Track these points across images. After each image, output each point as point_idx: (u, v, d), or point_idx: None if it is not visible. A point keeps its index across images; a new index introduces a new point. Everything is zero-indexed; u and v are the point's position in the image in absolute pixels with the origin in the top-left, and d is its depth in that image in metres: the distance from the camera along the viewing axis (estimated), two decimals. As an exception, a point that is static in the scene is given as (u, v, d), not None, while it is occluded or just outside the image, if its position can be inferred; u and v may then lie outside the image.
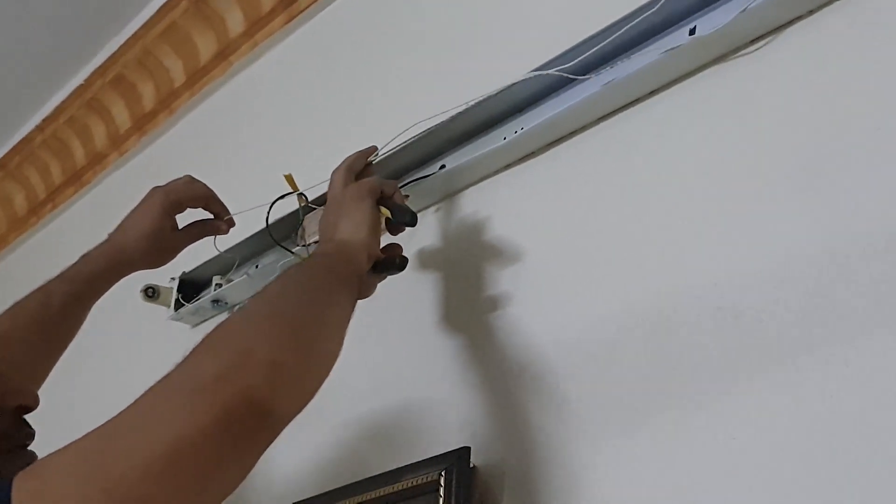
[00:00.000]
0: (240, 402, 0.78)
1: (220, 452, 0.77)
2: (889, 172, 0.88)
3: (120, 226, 1.41)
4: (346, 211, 1.14)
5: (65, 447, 0.74)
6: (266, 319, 0.91)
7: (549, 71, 1.17)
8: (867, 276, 0.86)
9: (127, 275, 1.40)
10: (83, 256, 1.39)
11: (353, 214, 1.14)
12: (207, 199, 1.46)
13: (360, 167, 1.27)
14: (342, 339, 0.98)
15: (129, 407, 0.78)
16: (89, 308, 1.39)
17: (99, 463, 0.73)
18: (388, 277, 1.19)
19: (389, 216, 1.18)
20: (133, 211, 1.42)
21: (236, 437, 0.78)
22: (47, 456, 0.75)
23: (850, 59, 0.96)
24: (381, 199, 1.18)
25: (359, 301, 1.11)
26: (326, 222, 1.17)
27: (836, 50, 0.97)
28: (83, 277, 1.37)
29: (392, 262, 1.16)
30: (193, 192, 1.44)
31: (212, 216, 1.48)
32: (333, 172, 1.25)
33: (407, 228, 1.23)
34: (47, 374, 1.35)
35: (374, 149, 1.30)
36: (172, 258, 1.45)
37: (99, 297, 1.38)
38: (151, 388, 0.79)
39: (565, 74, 1.15)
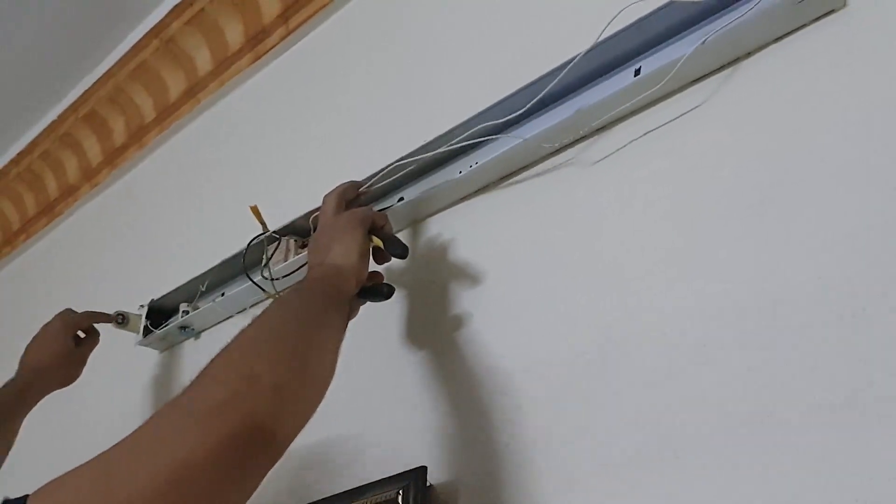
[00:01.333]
0: (245, 426, 0.78)
1: (224, 476, 0.76)
2: (830, 207, 0.89)
3: (28, 355, 1.51)
4: (339, 237, 1.13)
5: (77, 468, 0.74)
6: (267, 344, 0.90)
7: (500, 134, 1.17)
8: (803, 314, 0.86)
9: (47, 394, 1.50)
10: (8, 383, 1.46)
11: (345, 240, 1.13)
12: (93, 317, 1.62)
13: (351, 196, 1.27)
14: (336, 360, 0.97)
15: (136, 430, 0.77)
16: (20, 424, 1.45)
17: (107, 485, 0.72)
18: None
19: (381, 245, 1.17)
20: (37, 340, 1.53)
21: (241, 461, 0.77)
22: (60, 477, 0.74)
23: (784, 98, 0.96)
24: (373, 229, 1.18)
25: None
26: (318, 245, 1.16)
27: (772, 89, 0.98)
28: (12, 398, 1.43)
29: (380, 290, 1.16)
30: (81, 316, 1.60)
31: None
32: (326, 197, 1.25)
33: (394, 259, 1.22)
34: None
35: (364, 182, 1.29)
36: (82, 371, 1.57)
37: (26, 414, 1.46)
38: (158, 413, 0.79)
39: (506, 135, 1.16)
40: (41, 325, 2.24)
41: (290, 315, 0.98)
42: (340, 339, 1.02)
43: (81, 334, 1.60)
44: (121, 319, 1.67)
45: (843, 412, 0.80)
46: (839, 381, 0.81)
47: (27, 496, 0.73)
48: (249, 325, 0.92)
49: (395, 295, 1.21)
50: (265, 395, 0.81)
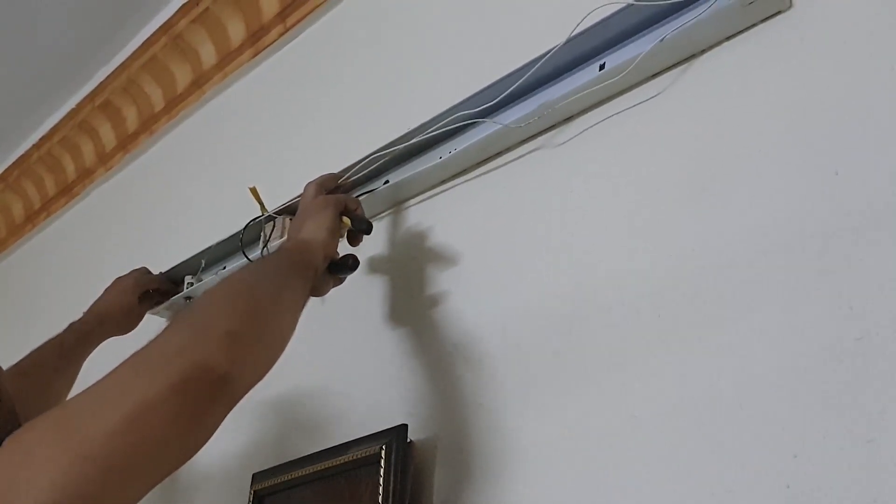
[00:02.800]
0: (196, 368, 0.77)
1: (177, 417, 0.75)
2: (766, 186, 0.89)
3: (101, 301, 1.52)
4: (312, 216, 1.14)
5: (45, 414, 0.74)
6: (224, 298, 0.90)
7: (481, 119, 1.16)
8: (744, 275, 0.87)
9: (105, 339, 1.48)
10: (74, 323, 1.46)
11: (316, 218, 1.13)
12: (160, 282, 1.62)
13: (331, 186, 1.28)
14: (295, 320, 0.97)
15: (101, 379, 0.77)
16: (81, 364, 1.43)
17: (69, 425, 0.72)
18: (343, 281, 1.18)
19: (350, 225, 1.18)
20: (109, 291, 1.54)
21: (193, 401, 0.76)
22: (31, 420, 0.74)
23: (733, 90, 0.96)
24: (345, 211, 1.18)
25: (313, 299, 1.10)
26: (294, 225, 1.17)
27: (723, 82, 0.97)
28: (74, 340, 1.43)
29: (345, 262, 1.15)
30: (151, 278, 1.60)
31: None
32: (307, 185, 1.25)
33: (366, 239, 1.23)
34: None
35: (342, 174, 1.30)
36: (138, 324, 1.56)
37: (88, 355, 1.44)
38: (123, 363, 0.78)
39: (489, 120, 1.15)
40: (62, 297, 2.24)
41: (253, 275, 0.98)
42: (301, 302, 1.01)
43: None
44: (133, 290, 1.66)
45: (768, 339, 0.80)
46: (781, 336, 0.81)
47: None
48: (216, 283, 0.92)
49: (379, 272, 1.21)
50: (218, 341, 0.80)
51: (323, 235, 1.11)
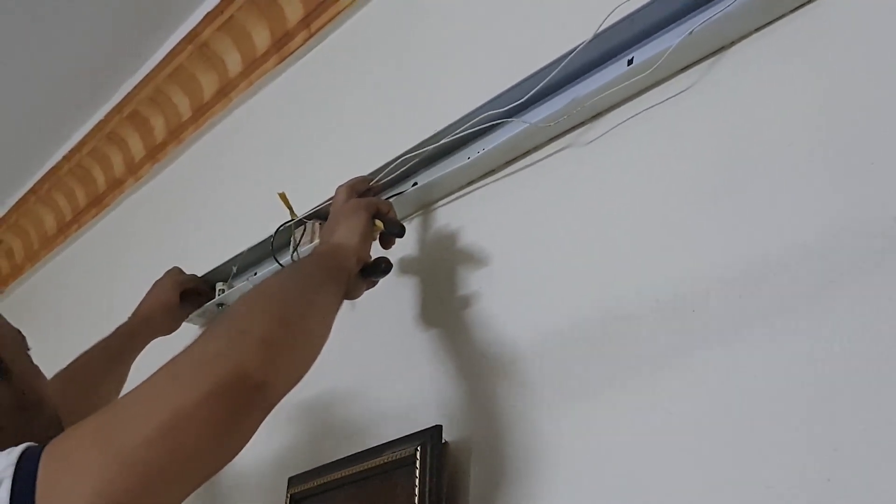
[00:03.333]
0: (233, 375, 0.77)
1: (214, 424, 0.76)
2: (798, 185, 0.88)
3: (144, 303, 1.54)
4: (344, 220, 1.14)
5: (86, 420, 0.76)
6: (260, 304, 0.90)
7: (509, 118, 1.16)
8: (779, 272, 0.86)
9: (151, 340, 1.51)
10: (121, 326, 1.50)
11: (349, 223, 1.13)
12: (198, 281, 1.62)
13: (362, 189, 1.27)
14: (329, 324, 0.97)
15: (139, 385, 0.78)
16: (130, 365, 1.46)
17: (108, 431, 0.74)
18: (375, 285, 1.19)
19: (382, 228, 1.18)
20: (151, 293, 1.56)
21: (230, 407, 0.77)
22: (71, 427, 0.76)
23: (761, 83, 0.95)
24: (377, 215, 1.18)
25: (347, 302, 1.10)
26: (327, 229, 1.17)
27: (752, 75, 0.96)
28: (121, 342, 1.46)
29: (378, 266, 1.15)
30: (189, 278, 1.62)
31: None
32: (338, 188, 1.25)
33: (397, 241, 1.23)
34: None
35: (373, 176, 1.30)
36: (181, 324, 1.59)
37: (135, 357, 1.47)
38: (159, 369, 0.79)
39: (516, 119, 1.15)
40: (95, 307, 2.26)
41: (287, 281, 0.99)
42: (335, 306, 1.02)
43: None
44: (165, 299, 1.67)
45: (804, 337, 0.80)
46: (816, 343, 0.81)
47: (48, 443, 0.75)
48: (251, 289, 0.93)
49: (409, 274, 1.20)
50: (253, 347, 0.81)
51: (355, 240, 1.11)
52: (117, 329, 1.47)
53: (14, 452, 0.74)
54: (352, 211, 1.16)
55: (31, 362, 1.08)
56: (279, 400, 0.84)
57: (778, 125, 0.92)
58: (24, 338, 1.10)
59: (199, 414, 0.75)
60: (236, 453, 0.81)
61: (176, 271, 1.61)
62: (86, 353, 1.43)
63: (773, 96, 0.93)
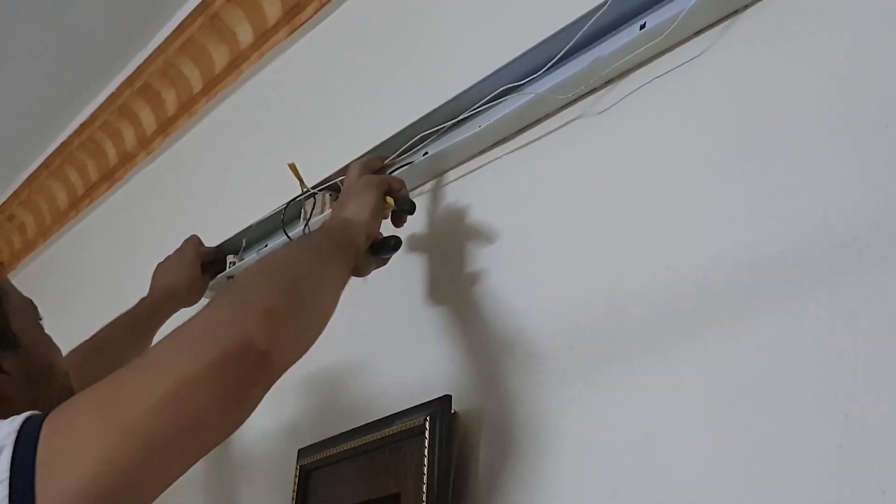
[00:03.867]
0: (237, 345, 0.77)
1: (218, 393, 0.76)
2: (818, 152, 0.86)
3: (160, 278, 1.54)
4: (355, 196, 1.14)
5: (88, 388, 0.75)
6: (265, 275, 0.90)
7: (520, 86, 1.15)
8: (794, 245, 0.85)
9: (174, 313, 1.51)
10: (145, 299, 1.51)
11: (360, 199, 1.13)
12: (216, 252, 1.63)
13: (376, 166, 1.27)
14: (336, 297, 0.96)
15: (143, 355, 0.79)
16: (152, 339, 1.45)
17: (111, 400, 0.74)
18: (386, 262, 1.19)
19: (393, 206, 1.18)
20: (168, 265, 1.56)
21: (234, 377, 0.77)
22: (75, 396, 0.77)
23: (777, 46, 0.94)
24: (389, 192, 1.18)
25: (357, 279, 1.10)
26: (338, 203, 1.17)
27: (769, 36, 0.95)
28: (145, 316, 1.47)
29: (387, 243, 1.15)
30: (208, 250, 1.62)
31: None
32: (351, 164, 1.25)
33: (409, 219, 1.23)
34: None
35: (388, 155, 1.30)
36: (202, 296, 1.59)
37: (158, 329, 1.47)
38: (164, 338, 0.80)
39: (527, 89, 1.14)
40: (108, 282, 2.26)
41: (295, 253, 0.99)
42: (342, 280, 1.01)
43: None
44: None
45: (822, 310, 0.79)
46: (828, 310, 0.80)
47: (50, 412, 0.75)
48: (258, 260, 0.92)
49: (419, 246, 1.20)
50: (258, 317, 0.81)
51: (366, 215, 1.11)
52: (140, 302, 1.48)
53: (17, 420, 0.73)
54: (364, 187, 1.15)
55: (43, 332, 1.09)
56: (283, 371, 0.84)
57: (796, 90, 0.90)
58: (35, 308, 1.10)
59: (203, 383, 0.75)
60: (240, 423, 0.81)
61: (195, 241, 1.61)
62: (109, 325, 1.44)
63: (790, 60, 0.92)
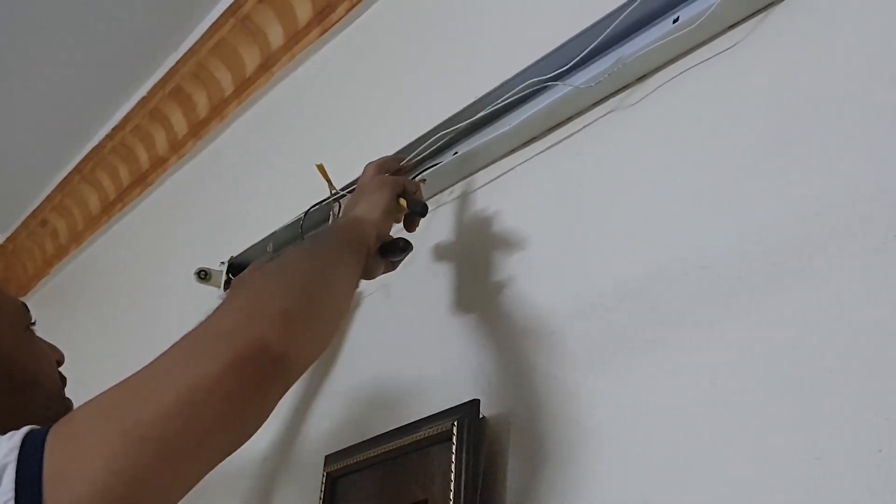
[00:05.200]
0: (252, 348, 0.76)
1: (233, 396, 0.75)
2: (856, 143, 0.84)
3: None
4: (367, 195, 1.13)
5: (92, 399, 0.73)
6: (278, 276, 0.89)
7: (553, 83, 1.14)
8: (830, 235, 0.83)
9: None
10: None
11: (371, 199, 1.12)
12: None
13: (392, 168, 1.26)
14: (350, 297, 0.96)
15: (153, 360, 0.76)
16: None
17: (120, 408, 0.71)
18: (401, 267, 1.18)
19: (406, 207, 1.16)
20: None
21: (250, 381, 0.76)
22: (82, 405, 0.74)
23: (814, 38, 0.92)
24: (403, 193, 1.16)
25: (373, 280, 1.10)
26: (349, 203, 1.16)
27: (805, 28, 0.93)
28: None
29: (396, 244, 1.14)
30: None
31: None
32: (367, 165, 1.24)
33: (433, 214, 1.22)
34: None
35: (404, 156, 1.29)
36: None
37: None
38: (175, 344, 0.77)
39: (560, 83, 1.13)
40: (140, 287, 2.28)
41: (305, 254, 0.97)
42: (355, 282, 1.01)
43: None
44: (203, 275, 1.68)
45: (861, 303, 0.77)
46: (867, 310, 0.78)
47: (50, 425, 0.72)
48: (268, 262, 0.91)
49: (448, 248, 1.19)
50: (274, 319, 0.79)
51: (377, 214, 1.09)
52: None
53: (16, 436, 0.70)
54: (377, 187, 1.14)
55: (30, 338, 1.06)
56: (300, 374, 0.83)
57: (832, 80, 0.88)
58: (26, 311, 1.07)
59: (217, 388, 0.73)
60: (256, 429, 0.79)
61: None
62: None
63: (826, 50, 0.90)
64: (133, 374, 0.75)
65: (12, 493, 0.66)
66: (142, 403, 0.72)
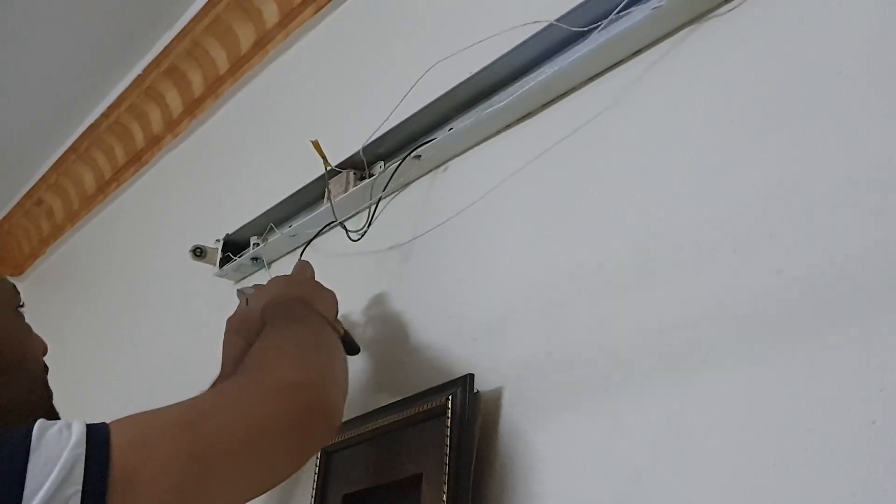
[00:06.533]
0: (314, 403, 0.89)
1: (294, 441, 0.86)
2: (849, 116, 0.84)
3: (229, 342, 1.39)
4: (321, 298, 1.17)
5: (161, 409, 0.80)
6: (306, 350, 0.98)
7: (560, 24, 1.13)
8: (828, 210, 0.83)
9: None
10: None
11: (326, 302, 1.18)
12: None
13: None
14: (346, 365, 1.05)
15: (219, 391, 0.91)
16: None
17: (192, 431, 0.78)
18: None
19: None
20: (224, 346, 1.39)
21: (309, 429, 0.88)
22: (144, 413, 0.79)
23: (816, 6, 0.91)
24: None
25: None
26: (304, 287, 1.19)
27: (798, 4, 0.92)
28: None
29: (350, 342, 1.23)
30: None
31: None
32: (303, 262, 1.28)
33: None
34: None
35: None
36: None
37: None
38: (238, 382, 0.89)
39: (565, 26, 1.13)
40: (136, 266, 2.27)
41: (312, 334, 1.04)
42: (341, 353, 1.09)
43: None
44: (199, 252, 1.68)
45: (866, 307, 0.76)
46: (863, 277, 0.77)
47: (106, 423, 0.76)
48: (260, 346, 0.97)
49: (439, 222, 1.19)
50: (324, 381, 0.92)
51: (332, 317, 1.17)
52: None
53: (76, 429, 0.73)
54: (327, 296, 1.19)
55: (17, 320, 1.06)
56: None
57: (826, 52, 0.88)
58: (16, 293, 1.08)
59: (284, 431, 0.85)
60: (293, 473, 0.91)
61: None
62: None
63: (821, 21, 0.89)
64: (202, 400, 0.84)
65: (80, 486, 0.70)
66: (214, 432, 0.79)
